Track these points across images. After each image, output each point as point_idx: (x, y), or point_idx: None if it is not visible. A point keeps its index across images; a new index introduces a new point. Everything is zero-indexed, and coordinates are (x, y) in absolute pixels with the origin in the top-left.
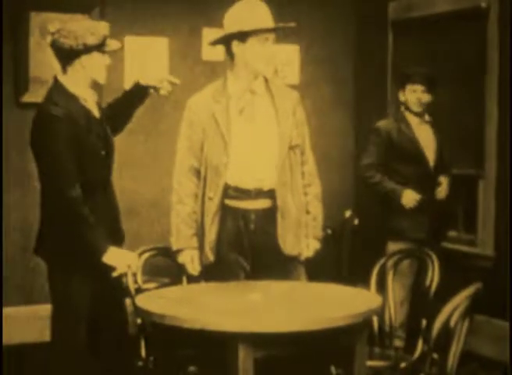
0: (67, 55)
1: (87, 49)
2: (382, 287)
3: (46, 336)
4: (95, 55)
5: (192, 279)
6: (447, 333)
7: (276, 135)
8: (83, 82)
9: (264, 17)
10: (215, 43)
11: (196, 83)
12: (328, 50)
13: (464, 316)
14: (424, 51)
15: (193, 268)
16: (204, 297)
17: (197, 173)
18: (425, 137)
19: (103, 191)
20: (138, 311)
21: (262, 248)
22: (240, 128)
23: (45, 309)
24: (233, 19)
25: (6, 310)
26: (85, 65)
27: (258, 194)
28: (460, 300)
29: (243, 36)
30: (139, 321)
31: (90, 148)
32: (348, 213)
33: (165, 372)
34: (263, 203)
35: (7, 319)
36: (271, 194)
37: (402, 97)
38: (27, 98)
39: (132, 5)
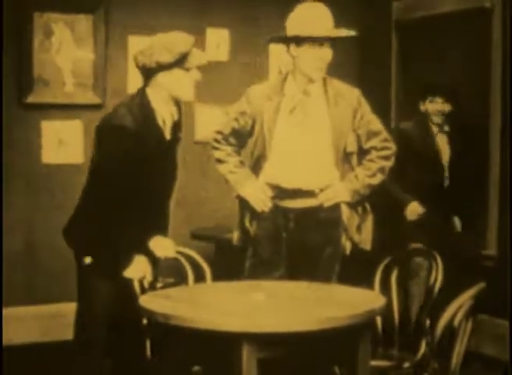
0: (144, 73)
1: (162, 67)
2: (385, 287)
3: (47, 336)
4: (176, 71)
5: (197, 279)
6: (451, 333)
7: (326, 139)
8: (165, 99)
9: (322, 23)
10: (272, 41)
11: (199, 83)
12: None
13: (468, 315)
14: (428, 52)
15: (261, 205)
16: (208, 297)
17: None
18: (442, 147)
19: (152, 216)
20: (143, 311)
21: (299, 247)
22: (287, 128)
23: (46, 309)
24: (294, 23)
25: (6, 310)
26: (163, 82)
27: (297, 193)
28: (463, 300)
29: (299, 40)
30: (144, 321)
31: (146, 175)
32: None
33: (170, 372)
34: (302, 203)
35: (7, 319)
36: (311, 194)
37: (422, 107)
38: (31, 99)
39: (135, 5)
